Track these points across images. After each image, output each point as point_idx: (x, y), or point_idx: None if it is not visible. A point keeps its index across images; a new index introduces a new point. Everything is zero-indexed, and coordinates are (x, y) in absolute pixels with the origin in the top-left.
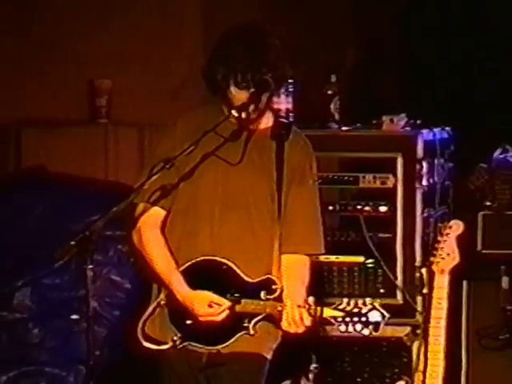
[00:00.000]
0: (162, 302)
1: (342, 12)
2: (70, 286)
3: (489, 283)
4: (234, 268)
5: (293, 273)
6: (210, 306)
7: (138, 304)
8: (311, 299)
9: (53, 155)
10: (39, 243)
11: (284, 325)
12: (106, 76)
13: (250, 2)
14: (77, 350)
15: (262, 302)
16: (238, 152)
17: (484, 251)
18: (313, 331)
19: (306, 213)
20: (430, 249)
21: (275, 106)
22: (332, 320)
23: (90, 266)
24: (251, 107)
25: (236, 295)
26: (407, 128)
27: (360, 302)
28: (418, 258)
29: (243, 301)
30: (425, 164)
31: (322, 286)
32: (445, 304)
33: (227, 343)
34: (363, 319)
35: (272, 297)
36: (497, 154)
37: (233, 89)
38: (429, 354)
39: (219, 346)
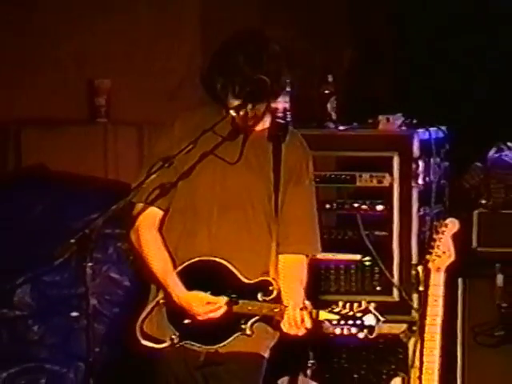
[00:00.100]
0: (161, 301)
1: (338, 12)
2: (70, 284)
3: (484, 281)
4: (232, 269)
5: (290, 273)
6: (207, 305)
7: (137, 301)
8: (307, 303)
9: (52, 154)
10: (39, 241)
11: (285, 326)
12: (106, 76)
13: (248, 2)
14: (76, 347)
15: (258, 304)
16: (235, 152)
17: (479, 249)
18: (310, 331)
19: (302, 213)
20: (425, 247)
21: (273, 106)
22: (327, 323)
23: (90, 264)
24: (249, 106)
25: (233, 296)
26: (403, 127)
27: (355, 305)
28: (414, 256)
29: (241, 302)
30: (421, 163)
31: (319, 283)
32: (440, 301)
33: (224, 343)
34: (358, 323)
35: (268, 298)
36: (492, 153)
37: (231, 99)
38: (425, 350)
39: (217, 346)
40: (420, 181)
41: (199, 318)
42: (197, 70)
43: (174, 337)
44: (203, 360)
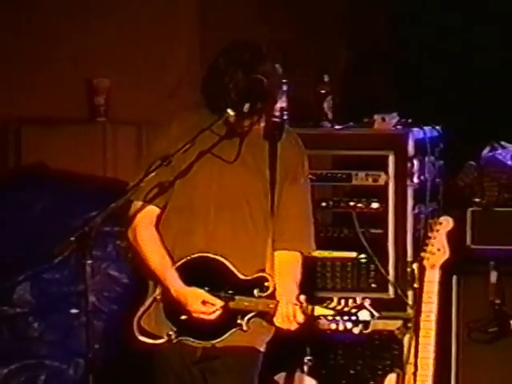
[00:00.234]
0: (158, 297)
1: (335, 13)
2: (70, 281)
3: (478, 278)
4: (228, 265)
5: (285, 269)
6: (204, 304)
7: (136, 298)
8: (303, 298)
9: (52, 152)
10: (39, 239)
11: (277, 321)
12: (105, 75)
13: (246, 2)
14: (76, 344)
15: (254, 300)
16: (232, 151)
17: (473, 246)
18: (306, 327)
19: (298, 211)
20: (420, 244)
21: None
22: (323, 318)
23: (89, 262)
24: (246, 106)
25: (230, 292)
26: (398, 127)
27: (350, 301)
28: (409, 254)
29: (237, 298)
30: (416, 162)
31: (315, 280)
32: (435, 298)
33: (221, 338)
34: (353, 318)
35: (264, 294)
36: (485, 151)
37: (230, 111)
38: (420, 346)
39: (213, 342)
40: (415, 179)
41: (193, 314)
42: (195, 69)
43: (171, 333)
44: (200, 355)
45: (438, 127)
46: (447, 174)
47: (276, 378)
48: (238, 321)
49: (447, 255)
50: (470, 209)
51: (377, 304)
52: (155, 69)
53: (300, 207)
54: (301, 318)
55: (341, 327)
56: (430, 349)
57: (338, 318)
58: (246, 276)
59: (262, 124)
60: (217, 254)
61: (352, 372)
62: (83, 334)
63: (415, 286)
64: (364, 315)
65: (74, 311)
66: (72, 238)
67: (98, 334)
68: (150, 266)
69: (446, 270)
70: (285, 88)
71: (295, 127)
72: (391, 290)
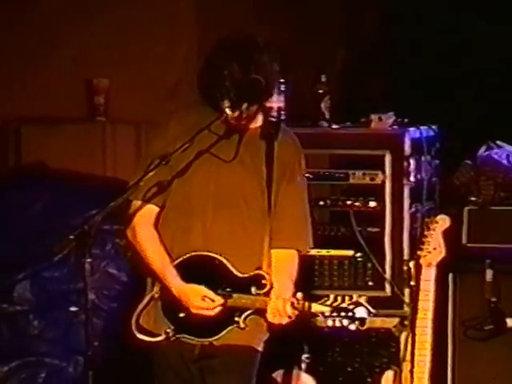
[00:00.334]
0: (156, 295)
1: (332, 12)
2: (69, 279)
3: (474, 276)
4: (226, 263)
5: (281, 267)
6: (203, 300)
7: (135, 296)
8: (300, 295)
9: (52, 152)
10: (39, 238)
11: (269, 316)
12: (104, 75)
13: (243, 2)
14: (76, 342)
15: (252, 297)
16: (230, 150)
17: (469, 245)
18: (304, 324)
19: (295, 209)
20: (417, 243)
21: (267, 105)
22: (320, 315)
23: (89, 260)
24: (244, 105)
25: (227, 290)
26: (395, 126)
27: (347, 298)
28: (406, 252)
29: (235, 295)
30: (412, 161)
31: (313, 278)
32: (431, 296)
33: (218, 336)
34: (350, 315)
35: (262, 292)
36: (481, 151)
37: (227, 107)
38: (416, 344)
39: (211, 339)
40: (411, 178)
41: (193, 310)
42: (194, 69)
43: (169, 330)
44: (198, 353)
45: (434, 127)
46: (443, 173)
47: (274, 375)
48: (236, 318)
49: (443, 254)
50: (467, 208)
51: (374, 302)
52: (154, 69)
53: (297, 205)
54: (290, 311)
55: (337, 324)
56: (427, 346)
57: (334, 314)
58: (243, 274)
59: (260, 123)
60: (215, 252)
61: (349, 369)
62: (83, 331)
63: (412, 284)
64: (360, 312)
65: (73, 309)
66: (71, 237)
67: (97, 332)
68: (149, 264)
69: (443, 268)
70: (282, 88)
71: (293, 126)
72: (388, 288)
